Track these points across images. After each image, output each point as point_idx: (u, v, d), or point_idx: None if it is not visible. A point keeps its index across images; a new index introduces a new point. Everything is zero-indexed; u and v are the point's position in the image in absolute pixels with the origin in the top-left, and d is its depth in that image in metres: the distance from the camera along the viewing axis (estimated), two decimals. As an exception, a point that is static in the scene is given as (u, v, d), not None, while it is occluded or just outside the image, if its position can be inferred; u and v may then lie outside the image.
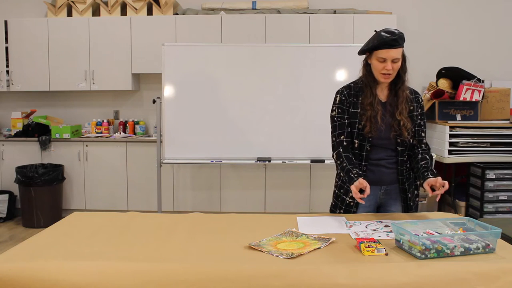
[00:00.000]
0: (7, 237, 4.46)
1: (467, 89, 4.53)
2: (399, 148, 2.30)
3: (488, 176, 4.39)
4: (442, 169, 4.82)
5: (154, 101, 4.27)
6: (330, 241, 1.84)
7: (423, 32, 5.25)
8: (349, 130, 2.32)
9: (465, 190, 4.67)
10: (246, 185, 4.90)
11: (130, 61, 5.06)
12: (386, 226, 2.05)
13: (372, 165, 2.32)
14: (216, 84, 4.28)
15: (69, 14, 5.23)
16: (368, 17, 4.91)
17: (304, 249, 1.75)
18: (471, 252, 1.69)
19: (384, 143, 2.30)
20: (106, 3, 5.19)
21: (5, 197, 4.97)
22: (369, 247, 1.70)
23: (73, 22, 5.11)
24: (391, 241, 1.83)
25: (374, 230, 2.00)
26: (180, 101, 4.28)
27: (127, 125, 5.32)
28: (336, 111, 2.34)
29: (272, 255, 1.71)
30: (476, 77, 4.58)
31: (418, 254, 1.65)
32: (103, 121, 5.35)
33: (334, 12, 5.02)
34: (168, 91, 4.26)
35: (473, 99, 4.53)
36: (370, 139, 2.28)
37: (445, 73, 4.75)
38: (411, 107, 2.31)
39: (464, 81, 4.55)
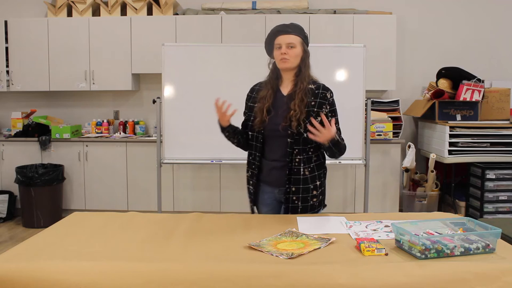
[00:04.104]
0: (7, 237, 4.46)
1: (467, 89, 4.53)
2: (289, 140, 2.32)
3: (488, 176, 4.39)
4: (442, 169, 4.83)
5: (154, 101, 4.27)
6: (330, 241, 1.84)
7: (423, 32, 5.26)
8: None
9: (465, 190, 4.67)
10: (246, 185, 4.89)
11: (130, 61, 5.06)
12: (386, 226, 2.05)
13: (266, 165, 2.41)
14: (216, 84, 4.27)
15: (69, 14, 5.23)
16: (368, 17, 4.91)
17: (304, 249, 1.75)
18: (471, 252, 1.69)
19: (276, 136, 2.34)
20: (106, 3, 5.19)
21: (5, 197, 4.97)
22: (369, 247, 1.70)
23: (73, 22, 5.10)
24: (391, 241, 1.83)
25: (374, 230, 2.01)
26: (180, 101, 4.28)
27: (127, 125, 5.32)
28: (244, 106, 2.51)
29: (272, 255, 1.71)
30: (476, 77, 4.58)
31: (418, 254, 1.65)
32: (103, 121, 5.35)
33: (334, 12, 5.02)
34: (168, 91, 4.26)
35: (473, 99, 4.53)
36: (262, 131, 2.36)
37: (445, 73, 4.75)
38: (312, 102, 2.31)
39: (464, 81, 4.55)
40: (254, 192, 2.49)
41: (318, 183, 2.37)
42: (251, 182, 2.50)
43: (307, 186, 2.34)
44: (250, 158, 2.49)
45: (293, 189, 2.34)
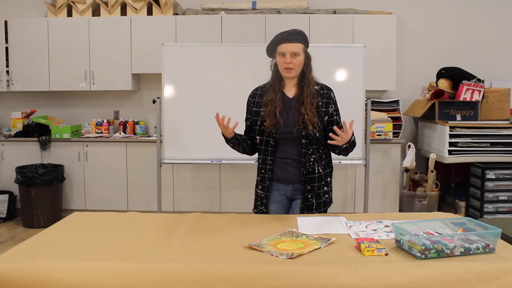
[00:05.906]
0: (7, 237, 4.46)
1: (467, 89, 4.53)
2: (303, 141, 2.35)
3: (488, 176, 4.39)
4: (442, 169, 4.82)
5: (154, 101, 4.26)
6: (330, 241, 1.84)
7: (423, 32, 5.25)
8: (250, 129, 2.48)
9: (465, 190, 4.67)
10: (246, 185, 4.89)
11: (130, 61, 5.06)
12: (386, 226, 2.05)
13: (279, 163, 2.42)
14: (216, 84, 4.27)
15: (69, 14, 5.23)
16: (368, 17, 4.91)
17: (304, 249, 1.75)
18: (471, 252, 1.69)
19: (289, 138, 2.37)
20: (106, 3, 5.19)
21: (5, 197, 4.97)
22: (369, 247, 1.70)
23: (73, 22, 5.10)
24: (391, 241, 1.83)
25: (374, 230, 2.01)
26: (180, 101, 4.28)
27: (127, 125, 5.32)
28: (246, 112, 2.52)
29: (272, 255, 1.71)
30: (476, 77, 4.58)
31: (418, 254, 1.65)
32: (103, 121, 5.35)
33: (334, 12, 5.02)
34: (168, 91, 4.26)
35: (473, 99, 4.53)
36: (273, 134, 2.37)
37: (445, 73, 4.75)
38: (320, 103, 2.37)
39: (464, 81, 4.55)
40: (265, 196, 2.46)
41: (328, 179, 2.46)
42: (260, 186, 2.48)
43: (320, 183, 2.41)
44: (259, 162, 2.47)
45: (308, 187, 2.39)
